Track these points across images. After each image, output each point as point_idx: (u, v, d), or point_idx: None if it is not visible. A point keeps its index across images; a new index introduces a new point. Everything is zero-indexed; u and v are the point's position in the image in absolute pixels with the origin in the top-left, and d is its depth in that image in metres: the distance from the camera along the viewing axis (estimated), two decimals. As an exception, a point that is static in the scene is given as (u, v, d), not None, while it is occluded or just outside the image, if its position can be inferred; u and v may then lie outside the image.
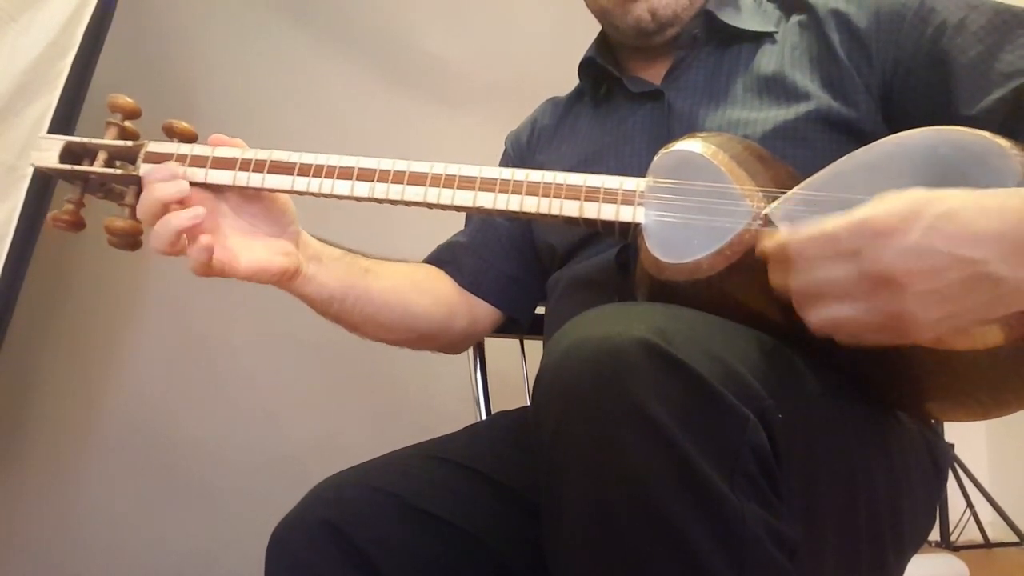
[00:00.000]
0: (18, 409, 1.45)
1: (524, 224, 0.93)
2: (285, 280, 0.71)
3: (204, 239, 0.64)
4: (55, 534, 1.44)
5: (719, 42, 0.83)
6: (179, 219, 0.65)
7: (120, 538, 1.47)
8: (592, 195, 0.64)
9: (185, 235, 0.65)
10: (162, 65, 1.54)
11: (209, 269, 0.65)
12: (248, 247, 0.68)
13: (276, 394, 1.60)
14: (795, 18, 0.81)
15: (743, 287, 0.59)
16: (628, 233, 0.64)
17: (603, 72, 0.89)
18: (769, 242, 0.54)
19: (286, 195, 0.72)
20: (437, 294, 0.88)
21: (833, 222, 0.50)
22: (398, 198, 0.68)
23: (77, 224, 0.71)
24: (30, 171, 1.14)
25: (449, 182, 0.67)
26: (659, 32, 0.83)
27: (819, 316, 0.51)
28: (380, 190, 0.68)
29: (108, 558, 1.45)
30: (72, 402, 1.49)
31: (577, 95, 0.95)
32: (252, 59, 1.64)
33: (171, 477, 1.50)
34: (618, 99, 0.87)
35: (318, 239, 0.77)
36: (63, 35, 1.18)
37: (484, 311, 0.92)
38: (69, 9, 1.19)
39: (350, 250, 0.80)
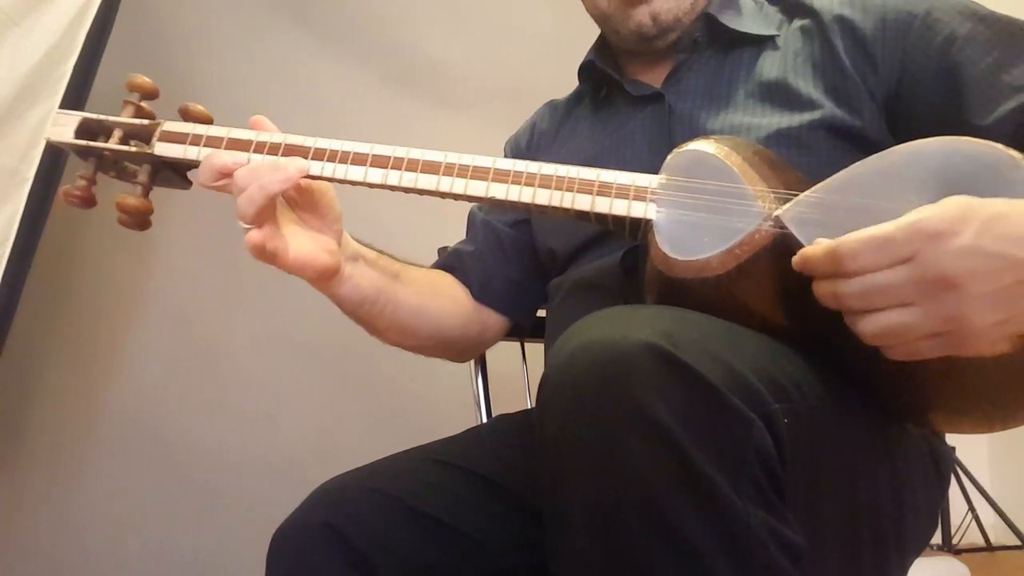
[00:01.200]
0: (19, 412, 1.45)
1: (526, 230, 0.93)
2: (325, 279, 0.71)
3: (256, 234, 0.64)
4: (55, 536, 1.44)
5: (720, 46, 0.83)
6: (275, 181, 0.65)
7: (120, 540, 1.47)
8: (604, 190, 0.64)
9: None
10: (164, 70, 1.53)
11: (263, 253, 0.65)
12: (298, 238, 0.68)
13: (277, 397, 1.60)
14: (798, 23, 0.81)
15: (752, 288, 0.59)
16: (638, 230, 0.64)
17: (603, 75, 0.89)
18: (815, 249, 0.52)
19: (332, 193, 0.72)
20: (455, 301, 0.89)
21: (884, 227, 0.49)
22: (411, 186, 0.68)
23: (88, 200, 0.71)
24: (32, 175, 1.14)
25: (463, 172, 0.67)
26: (660, 37, 0.83)
27: (874, 325, 0.50)
28: (393, 177, 0.68)
29: (108, 560, 1.45)
30: (73, 405, 1.49)
31: (577, 98, 0.95)
32: (253, 63, 1.65)
33: (171, 480, 1.50)
34: (618, 102, 0.87)
35: (356, 240, 0.76)
36: (65, 39, 1.18)
37: (493, 318, 0.92)
38: (71, 13, 1.19)
39: (382, 252, 0.80)
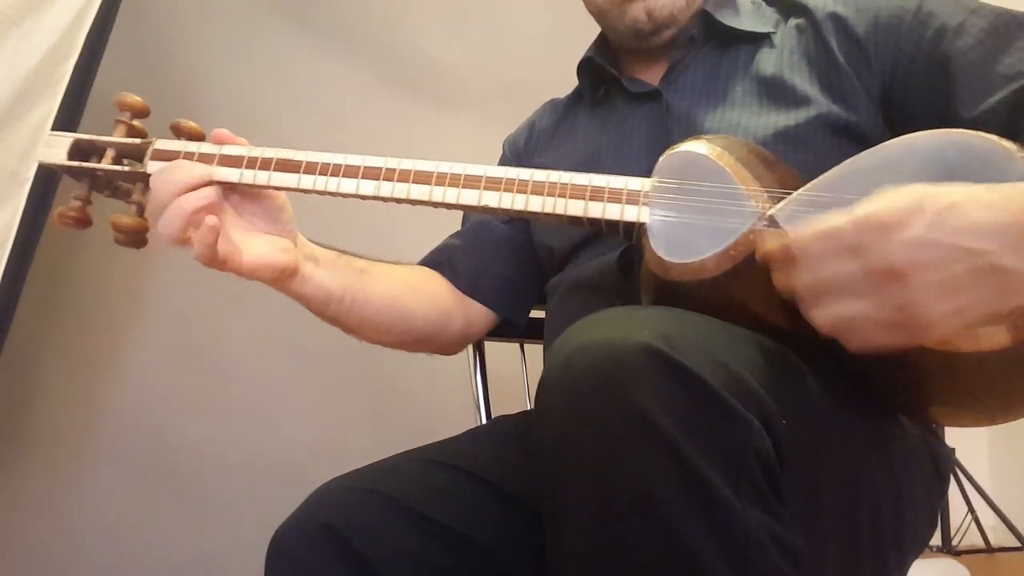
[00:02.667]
0: (18, 414, 1.45)
1: (521, 226, 0.93)
2: (284, 278, 0.71)
3: (210, 219, 0.64)
4: (55, 538, 1.44)
5: (717, 43, 0.83)
6: (192, 200, 0.65)
7: (120, 542, 1.47)
8: (597, 195, 0.64)
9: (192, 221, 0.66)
10: (164, 70, 1.54)
11: (214, 257, 0.65)
12: (249, 243, 0.69)
13: (277, 399, 1.60)
14: (793, 21, 0.81)
15: (748, 288, 0.59)
16: (632, 234, 0.64)
17: (602, 72, 0.89)
18: (771, 243, 0.53)
19: (284, 195, 0.72)
20: (432, 297, 0.88)
21: (836, 219, 0.49)
22: (403, 196, 0.68)
23: (83, 221, 0.72)
24: (31, 176, 1.14)
25: (454, 181, 0.67)
26: (656, 33, 0.83)
27: (827, 314, 0.50)
28: (386, 188, 0.68)
29: (108, 562, 1.45)
30: (73, 407, 1.50)
31: (576, 97, 0.95)
32: (253, 64, 1.65)
33: (172, 481, 1.50)
34: (616, 100, 0.87)
35: (312, 241, 0.77)
36: (65, 40, 1.18)
37: (479, 313, 0.91)
38: (71, 14, 1.19)
39: (343, 251, 0.80)
